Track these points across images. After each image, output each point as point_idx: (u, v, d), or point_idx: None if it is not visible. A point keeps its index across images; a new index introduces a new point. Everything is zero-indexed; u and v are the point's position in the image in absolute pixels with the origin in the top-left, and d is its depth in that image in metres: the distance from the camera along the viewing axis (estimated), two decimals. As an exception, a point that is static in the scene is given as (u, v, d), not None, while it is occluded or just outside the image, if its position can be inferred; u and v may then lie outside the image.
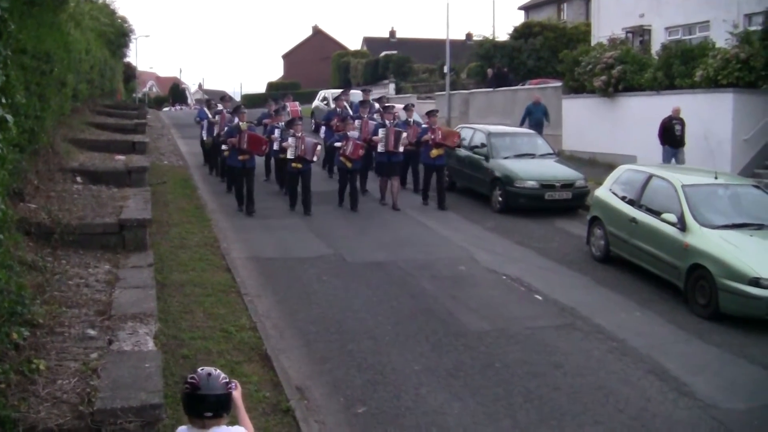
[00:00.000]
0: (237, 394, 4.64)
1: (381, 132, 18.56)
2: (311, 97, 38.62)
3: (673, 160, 19.98)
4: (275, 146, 18.63)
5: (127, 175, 16.09)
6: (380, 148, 18.52)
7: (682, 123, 20.13)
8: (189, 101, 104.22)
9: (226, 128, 19.19)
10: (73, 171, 15.32)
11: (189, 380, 4.40)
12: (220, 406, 4.42)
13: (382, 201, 18.83)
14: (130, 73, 55.33)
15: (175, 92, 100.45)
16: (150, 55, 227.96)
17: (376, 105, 22.48)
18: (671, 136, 20.15)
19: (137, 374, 6.85)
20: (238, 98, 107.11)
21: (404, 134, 18.46)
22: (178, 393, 7.56)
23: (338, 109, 22.23)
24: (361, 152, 17.95)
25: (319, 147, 17.61)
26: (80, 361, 7.18)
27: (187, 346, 9.08)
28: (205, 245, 13.98)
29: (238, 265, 13.07)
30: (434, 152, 18.45)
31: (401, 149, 18.54)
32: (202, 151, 24.69)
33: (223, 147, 18.67)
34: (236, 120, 18.53)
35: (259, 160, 19.20)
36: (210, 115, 22.68)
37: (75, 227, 11.49)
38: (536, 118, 25.13)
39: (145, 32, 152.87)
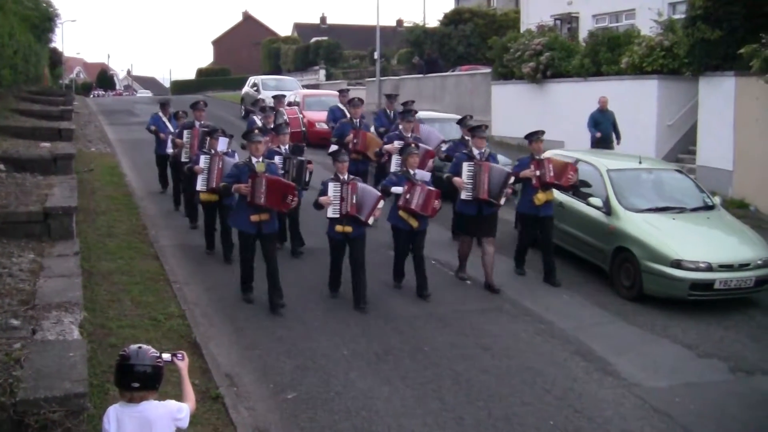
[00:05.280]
0: (183, 365, 4.91)
1: (466, 169, 11.87)
2: (241, 83, 38.22)
3: None
4: None
5: (52, 162, 15.71)
6: (464, 195, 11.98)
7: None
8: (117, 87, 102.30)
9: (201, 157, 12.60)
10: (-4, 158, 14.96)
11: (120, 353, 4.62)
12: (148, 379, 4.57)
13: (460, 273, 12.44)
14: (56, 59, 54.00)
15: (103, 78, 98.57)
16: (77, 41, 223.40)
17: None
18: None
19: (61, 363, 6.74)
20: (167, 85, 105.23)
21: (512, 177, 11.80)
22: (105, 382, 7.51)
23: (355, 120, 14.90)
24: (437, 205, 11.27)
25: (381, 203, 10.88)
26: (2, 352, 7.02)
27: (114, 334, 8.96)
28: (134, 233, 13.78)
29: (167, 252, 12.92)
30: (540, 197, 12.15)
31: (503, 201, 11.91)
32: (160, 181, 17.66)
33: (199, 185, 12.65)
34: (213, 148, 12.67)
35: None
36: (171, 126, 16.50)
37: (-2, 216, 11.24)
38: (605, 130, 19.10)
39: (71, 17, 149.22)
